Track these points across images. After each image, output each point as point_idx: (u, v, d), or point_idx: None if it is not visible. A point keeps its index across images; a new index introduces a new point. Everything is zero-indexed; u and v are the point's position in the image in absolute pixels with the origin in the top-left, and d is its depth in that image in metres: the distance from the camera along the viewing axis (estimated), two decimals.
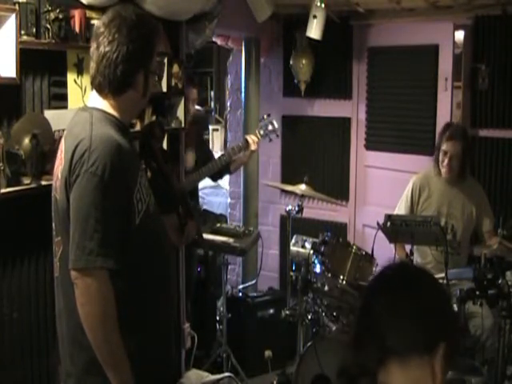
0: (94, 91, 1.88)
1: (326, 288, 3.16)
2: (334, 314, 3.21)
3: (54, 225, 1.88)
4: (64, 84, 2.54)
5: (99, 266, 1.67)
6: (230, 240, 3.59)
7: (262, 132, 3.80)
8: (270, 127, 3.82)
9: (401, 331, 1.19)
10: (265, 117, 3.89)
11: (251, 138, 3.74)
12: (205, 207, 5.22)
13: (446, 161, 3.53)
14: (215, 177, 4.12)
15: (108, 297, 1.69)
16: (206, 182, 5.87)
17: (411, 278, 1.29)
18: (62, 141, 1.86)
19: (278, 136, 3.96)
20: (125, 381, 1.72)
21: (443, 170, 3.56)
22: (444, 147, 3.53)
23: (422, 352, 1.18)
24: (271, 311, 4.11)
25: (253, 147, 3.75)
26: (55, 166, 1.87)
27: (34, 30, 2.32)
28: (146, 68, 1.86)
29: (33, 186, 2.27)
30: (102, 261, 1.67)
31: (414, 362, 1.17)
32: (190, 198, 3.70)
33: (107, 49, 1.79)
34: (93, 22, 2.59)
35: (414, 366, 1.17)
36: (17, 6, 2.22)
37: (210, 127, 7.13)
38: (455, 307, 3.01)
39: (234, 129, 5.39)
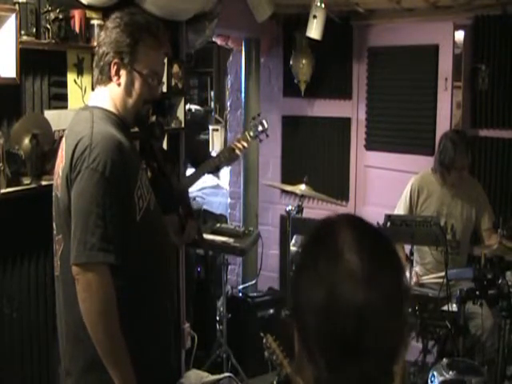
0: (95, 90, 1.91)
1: None
2: None
3: (54, 223, 1.88)
4: (64, 84, 2.55)
5: (101, 261, 1.68)
6: (230, 240, 3.59)
7: (251, 134, 3.56)
8: (260, 128, 3.59)
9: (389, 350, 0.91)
10: (255, 117, 3.72)
11: (237, 147, 3.55)
12: (205, 207, 5.21)
13: (457, 174, 3.52)
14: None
15: (109, 292, 1.69)
16: (206, 182, 5.89)
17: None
18: (63, 139, 1.87)
19: (267, 136, 3.77)
20: (126, 377, 1.72)
21: (452, 182, 3.56)
22: (457, 164, 3.49)
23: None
24: (271, 311, 4.10)
25: (239, 153, 3.53)
26: (56, 164, 1.89)
27: (34, 29, 2.32)
28: (131, 66, 1.85)
29: (33, 185, 2.27)
30: (104, 256, 1.68)
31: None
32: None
33: (103, 48, 1.86)
34: (93, 21, 2.59)
35: None
36: (17, 6, 2.22)
37: (210, 127, 7.12)
38: (455, 307, 3.02)
39: (234, 129, 5.39)
